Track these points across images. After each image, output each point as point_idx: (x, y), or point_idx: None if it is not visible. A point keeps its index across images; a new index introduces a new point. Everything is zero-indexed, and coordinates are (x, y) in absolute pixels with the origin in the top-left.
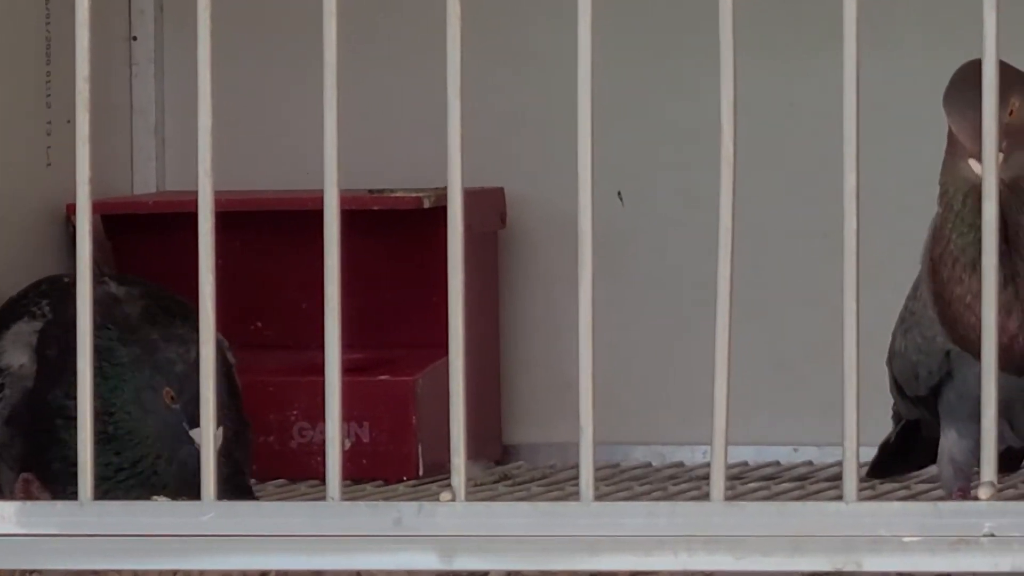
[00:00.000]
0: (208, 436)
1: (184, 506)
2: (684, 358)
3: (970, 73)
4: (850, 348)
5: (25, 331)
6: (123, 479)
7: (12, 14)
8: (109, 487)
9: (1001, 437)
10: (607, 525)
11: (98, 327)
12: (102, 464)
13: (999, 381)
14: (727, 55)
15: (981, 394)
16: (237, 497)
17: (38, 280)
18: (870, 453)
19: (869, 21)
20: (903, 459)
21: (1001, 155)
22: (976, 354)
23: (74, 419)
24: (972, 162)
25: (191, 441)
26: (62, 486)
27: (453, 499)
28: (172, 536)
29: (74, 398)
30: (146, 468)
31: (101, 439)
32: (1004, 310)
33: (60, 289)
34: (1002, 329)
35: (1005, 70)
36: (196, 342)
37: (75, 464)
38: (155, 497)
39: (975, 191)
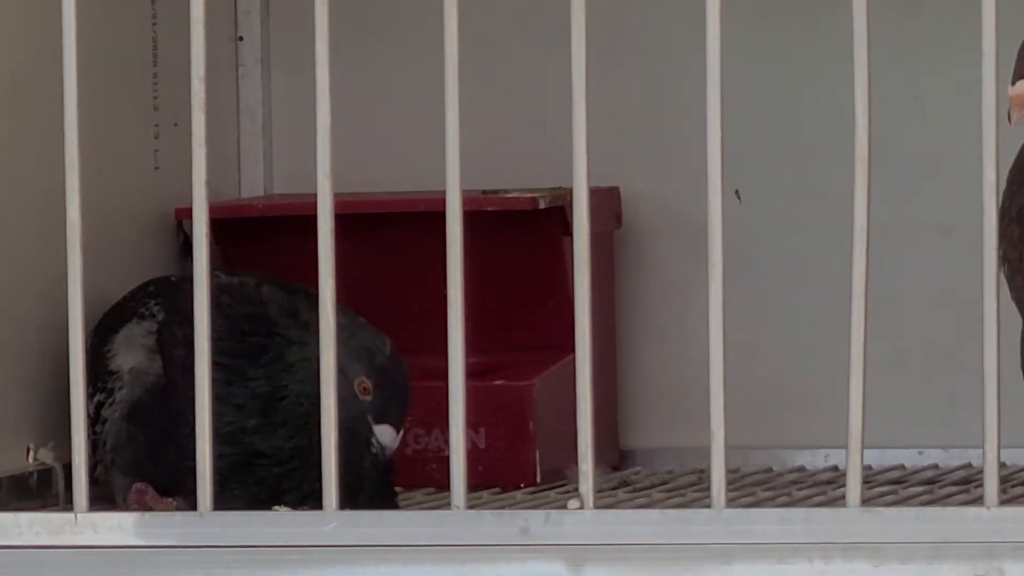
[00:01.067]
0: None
1: (306, 516)
2: (801, 359)
3: None
4: (990, 348)
5: (136, 332)
6: (296, 466)
7: (119, 16)
8: (282, 471)
9: None
10: (739, 532)
11: (257, 314)
12: (273, 446)
13: None
14: (861, 51)
15: None
16: (385, 501)
17: (143, 283)
18: (1010, 455)
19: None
20: None
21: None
22: None
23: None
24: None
25: (371, 433)
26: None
27: (581, 507)
28: (294, 547)
29: (217, 397)
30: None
31: (266, 425)
32: None
33: (171, 288)
34: None
35: None
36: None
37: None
38: (275, 507)
39: None
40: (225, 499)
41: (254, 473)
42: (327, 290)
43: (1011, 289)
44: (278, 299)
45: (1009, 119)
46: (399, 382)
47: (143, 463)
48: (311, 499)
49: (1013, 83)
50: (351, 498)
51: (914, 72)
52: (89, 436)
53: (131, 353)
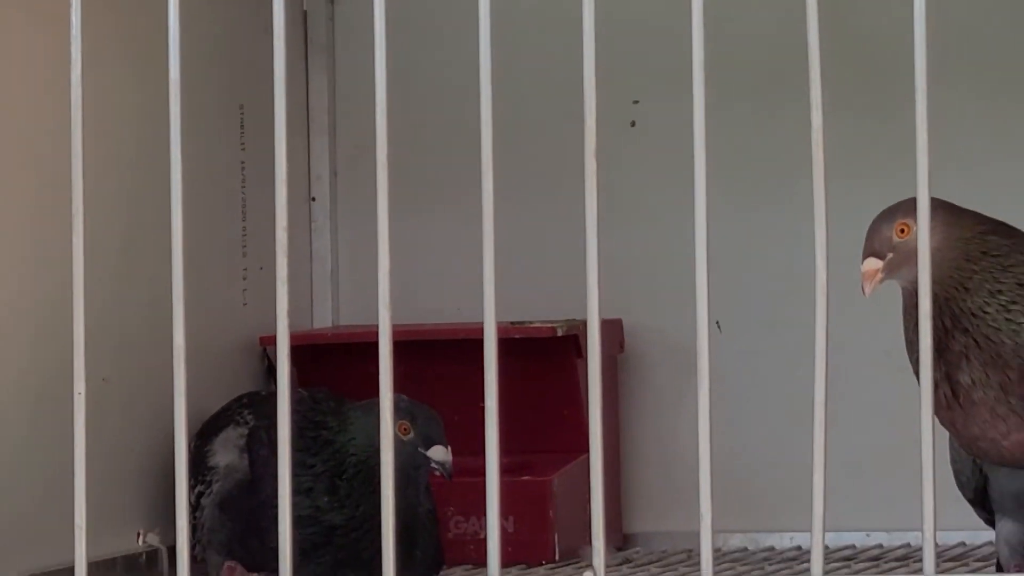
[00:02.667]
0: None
1: None
2: (771, 460)
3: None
4: (927, 452)
5: (232, 436)
6: (368, 528)
7: (214, 181)
8: (358, 535)
9: None
10: None
11: (309, 411)
12: (346, 516)
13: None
14: (820, 206)
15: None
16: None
17: (238, 396)
18: (943, 537)
19: None
20: None
21: (877, 264)
22: (991, 460)
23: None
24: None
25: (428, 461)
26: (269, 565)
27: None
28: None
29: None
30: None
31: (334, 501)
32: (993, 416)
33: (259, 400)
34: (998, 435)
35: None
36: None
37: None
38: None
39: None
40: (311, 568)
41: (333, 543)
42: (386, 402)
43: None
44: (325, 403)
45: (863, 291)
46: (427, 410)
47: (233, 544)
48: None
49: (863, 260)
50: (409, 540)
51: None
52: (190, 522)
53: (227, 453)
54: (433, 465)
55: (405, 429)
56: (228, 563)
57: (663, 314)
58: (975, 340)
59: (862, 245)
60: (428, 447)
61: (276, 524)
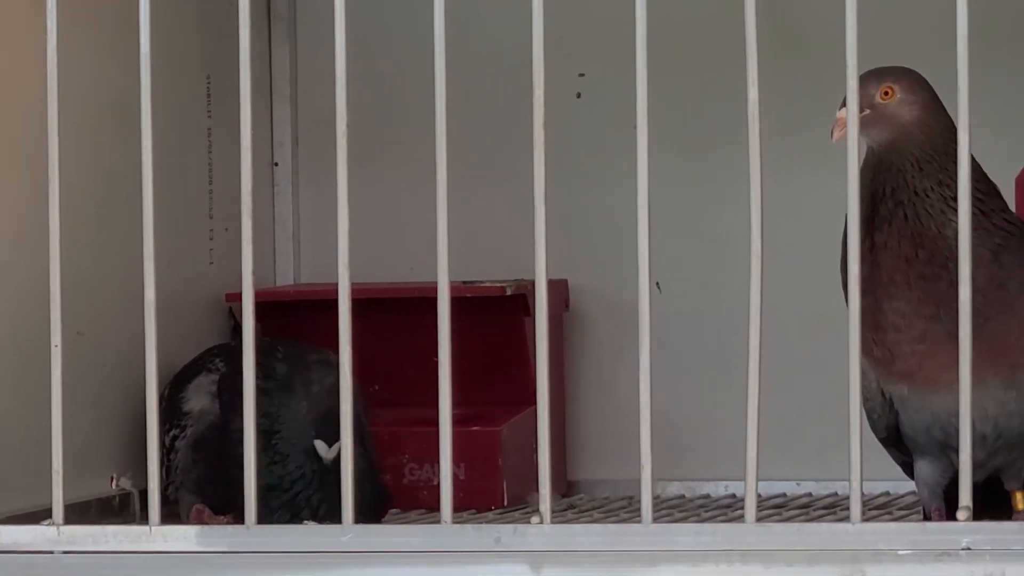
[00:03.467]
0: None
1: (328, 528)
2: (707, 412)
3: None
4: (855, 406)
5: (205, 383)
6: (290, 487)
7: (182, 147)
8: (287, 498)
9: (950, 465)
10: (663, 542)
11: (266, 358)
12: (277, 476)
13: (934, 406)
14: (755, 175)
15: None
16: (377, 493)
17: (209, 347)
18: (869, 487)
19: None
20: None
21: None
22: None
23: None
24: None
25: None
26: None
27: (541, 522)
28: (319, 552)
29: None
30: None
31: (275, 458)
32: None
33: (229, 351)
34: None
35: (919, 74)
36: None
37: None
38: (305, 521)
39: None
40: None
41: (269, 504)
42: (345, 355)
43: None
44: (279, 350)
45: (832, 135)
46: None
47: (204, 485)
48: (326, 516)
49: (840, 107)
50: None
51: (795, 190)
52: (164, 463)
53: (199, 398)
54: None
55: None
56: (197, 506)
57: (607, 275)
58: (905, 214)
59: (794, 211)
60: (318, 436)
61: (233, 469)
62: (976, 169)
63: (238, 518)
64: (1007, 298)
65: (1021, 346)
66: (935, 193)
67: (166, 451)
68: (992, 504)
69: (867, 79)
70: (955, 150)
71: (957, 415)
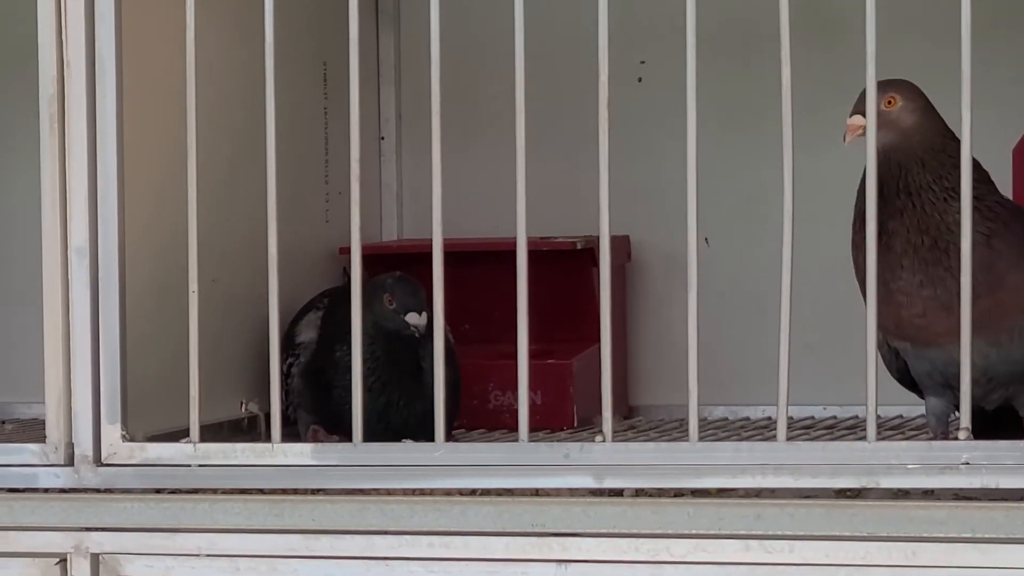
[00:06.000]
0: (439, 402)
1: (423, 446)
2: (746, 348)
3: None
4: (872, 341)
5: (313, 318)
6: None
7: (301, 123)
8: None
9: (954, 397)
10: (707, 458)
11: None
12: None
13: (931, 357)
14: (788, 146)
15: (936, 373)
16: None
17: (323, 290)
18: (882, 411)
19: None
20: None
21: (863, 120)
22: (910, 340)
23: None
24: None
25: (407, 327)
26: (341, 423)
27: (604, 440)
28: (415, 466)
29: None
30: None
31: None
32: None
33: (336, 291)
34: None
35: (916, 86)
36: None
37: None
38: (404, 440)
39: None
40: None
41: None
42: (438, 301)
43: (856, 270)
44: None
45: (844, 139)
46: (408, 286)
47: (317, 405)
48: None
49: (851, 115)
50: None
51: (821, 159)
52: (283, 388)
53: (309, 331)
54: (412, 329)
55: (389, 300)
56: (312, 426)
57: (664, 231)
58: (912, 203)
59: (821, 177)
60: (405, 312)
61: (335, 390)
62: (954, 141)
63: (344, 436)
64: (996, 276)
65: (1002, 315)
66: (937, 185)
67: (284, 376)
68: (1001, 433)
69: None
70: (951, 147)
71: (949, 363)
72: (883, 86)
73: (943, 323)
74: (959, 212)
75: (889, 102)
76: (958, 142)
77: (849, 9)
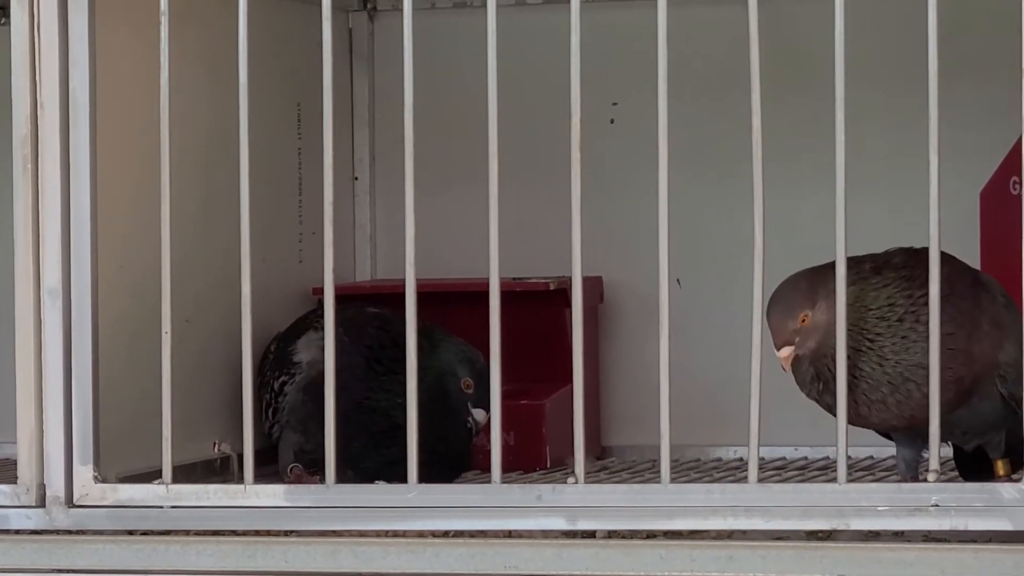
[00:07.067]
0: (412, 438)
1: (396, 487)
2: (717, 388)
3: (780, 289)
4: (842, 386)
5: (314, 338)
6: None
7: (276, 163)
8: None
9: (920, 449)
10: (679, 499)
11: (374, 336)
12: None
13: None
14: (758, 189)
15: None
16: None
17: (312, 309)
18: (853, 451)
19: None
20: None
21: (790, 349)
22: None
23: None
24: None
25: (469, 414)
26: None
27: (576, 482)
28: (387, 508)
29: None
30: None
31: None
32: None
33: (349, 318)
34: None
35: (810, 280)
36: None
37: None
38: (377, 481)
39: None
40: (379, 455)
41: (398, 438)
42: (411, 342)
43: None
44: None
45: (783, 368)
46: (487, 383)
47: (309, 423)
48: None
49: (778, 348)
50: (449, 455)
51: (792, 202)
52: (271, 407)
53: (309, 351)
54: (471, 421)
55: (468, 386)
56: (293, 467)
57: (636, 273)
58: (865, 373)
59: (791, 220)
60: (476, 407)
61: (347, 412)
62: (900, 251)
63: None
64: (961, 358)
65: (974, 384)
66: (874, 349)
67: (274, 395)
68: (981, 470)
69: (782, 319)
70: (869, 300)
71: (919, 433)
72: (789, 310)
73: (906, 424)
74: (916, 354)
75: (803, 320)
76: (864, 276)
77: (819, 52)
